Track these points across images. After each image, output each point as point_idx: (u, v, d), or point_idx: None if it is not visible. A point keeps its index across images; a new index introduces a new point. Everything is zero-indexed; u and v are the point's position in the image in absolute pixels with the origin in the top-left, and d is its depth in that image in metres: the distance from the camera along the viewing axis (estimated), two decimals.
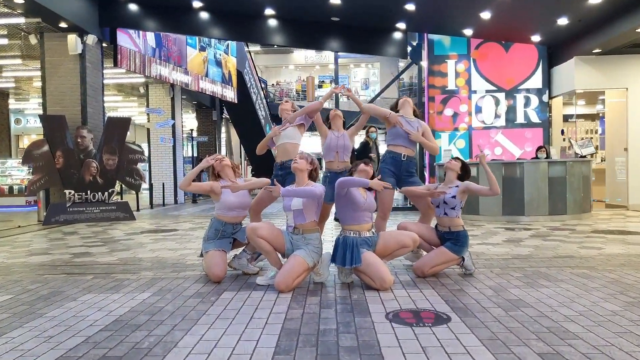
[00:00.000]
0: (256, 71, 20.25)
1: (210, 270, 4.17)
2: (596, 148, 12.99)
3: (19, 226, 9.02)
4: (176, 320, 3.12)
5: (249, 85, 17.84)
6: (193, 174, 4.44)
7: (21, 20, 9.29)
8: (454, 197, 4.25)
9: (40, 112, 10.71)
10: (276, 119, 17.41)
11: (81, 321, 3.14)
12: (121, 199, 11.75)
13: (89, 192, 9.68)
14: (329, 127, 5.06)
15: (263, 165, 19.27)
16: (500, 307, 3.31)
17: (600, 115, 15.01)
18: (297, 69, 31.83)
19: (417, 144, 4.86)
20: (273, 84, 30.19)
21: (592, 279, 4.06)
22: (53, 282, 4.30)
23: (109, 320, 3.15)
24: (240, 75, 16.97)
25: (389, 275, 3.78)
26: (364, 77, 31.95)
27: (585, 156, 9.29)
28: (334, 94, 5.25)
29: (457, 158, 4.51)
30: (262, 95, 20.54)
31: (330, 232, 7.39)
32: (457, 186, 4.31)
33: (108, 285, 4.14)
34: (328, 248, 5.76)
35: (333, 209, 4.76)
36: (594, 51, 10.19)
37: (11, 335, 2.89)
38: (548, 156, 9.11)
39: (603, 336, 2.71)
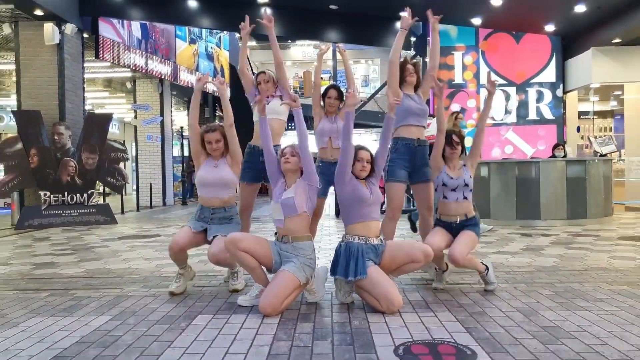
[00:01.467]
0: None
1: (173, 239, 3.75)
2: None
3: None
4: (132, 357, 2.53)
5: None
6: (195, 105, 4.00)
7: None
8: (470, 176, 3.85)
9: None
10: None
11: (13, 357, 2.55)
12: (104, 201, 11.16)
13: (66, 193, 9.10)
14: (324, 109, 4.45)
15: None
16: (535, 337, 2.73)
17: (615, 112, 14.45)
18: (295, 65, 31.23)
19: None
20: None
21: (638, 299, 3.48)
22: None
23: (48, 356, 2.56)
24: (233, 69, 16.40)
25: (398, 296, 3.20)
26: (364, 73, 31.35)
27: (606, 155, 8.72)
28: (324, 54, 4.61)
29: (451, 139, 3.83)
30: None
31: (329, 237, 6.82)
32: (464, 165, 3.91)
33: (63, 305, 3.56)
34: (326, 257, 5.19)
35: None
36: (613, 41, 9.63)
37: None
38: (566, 155, 8.53)
39: None
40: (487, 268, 3.74)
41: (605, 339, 2.70)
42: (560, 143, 9.15)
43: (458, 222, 3.78)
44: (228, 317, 3.18)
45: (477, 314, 3.20)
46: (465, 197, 3.80)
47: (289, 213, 3.36)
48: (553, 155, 8.52)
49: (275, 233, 3.48)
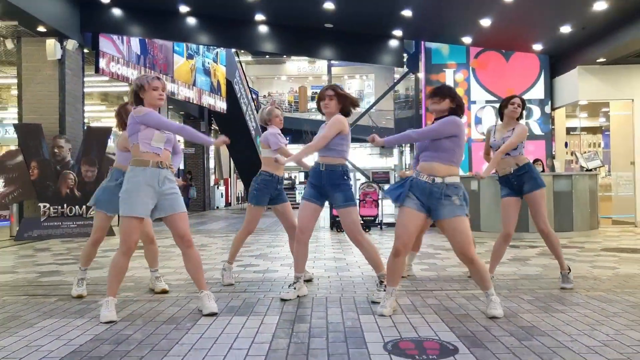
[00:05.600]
0: (247, 81, 20.05)
1: None
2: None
3: None
4: (144, 352, 2.79)
5: (238, 96, 17.60)
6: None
7: None
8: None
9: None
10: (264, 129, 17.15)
11: (34, 352, 2.80)
12: None
13: (65, 205, 9.32)
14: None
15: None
16: (512, 335, 3.01)
17: (603, 128, 14.87)
18: (290, 80, 31.68)
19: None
20: (265, 95, 30.01)
21: (611, 303, 3.78)
22: (11, 305, 3.95)
23: (66, 351, 2.81)
24: (229, 84, 16.73)
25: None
26: (359, 88, 31.83)
27: (591, 170, 9.07)
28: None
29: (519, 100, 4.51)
30: (253, 107, 20.30)
31: (324, 248, 7.07)
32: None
33: (73, 308, 3.80)
34: (320, 266, 5.46)
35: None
36: (598, 60, 10.04)
37: None
38: (544, 170, 8.91)
39: None
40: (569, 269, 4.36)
41: (575, 336, 2.98)
42: (539, 158, 9.53)
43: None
44: (230, 319, 3.44)
45: (461, 315, 3.48)
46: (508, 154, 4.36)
47: (168, 146, 3.64)
48: None
49: None
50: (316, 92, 29.90)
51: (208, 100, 15.28)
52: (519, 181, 4.36)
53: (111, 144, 10.68)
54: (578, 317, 3.40)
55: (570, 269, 4.38)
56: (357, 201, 10.23)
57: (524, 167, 4.35)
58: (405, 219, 3.46)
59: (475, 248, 3.40)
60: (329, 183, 3.94)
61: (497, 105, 11.17)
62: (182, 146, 18.43)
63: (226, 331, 3.16)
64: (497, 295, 3.53)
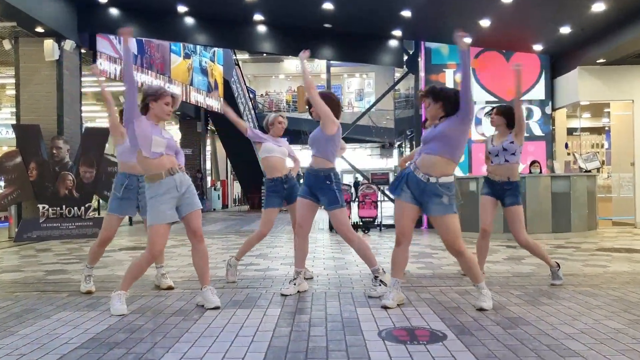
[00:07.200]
0: (244, 80, 20.43)
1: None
2: (602, 163, 13.16)
3: None
4: (157, 338, 3.15)
5: (236, 95, 17.98)
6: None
7: None
8: (512, 142, 4.70)
9: (13, 121, 10.72)
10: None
11: (55, 339, 3.15)
12: (98, 214, 11.73)
13: (64, 206, 9.67)
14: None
15: (252, 180, 19.41)
16: (499, 325, 3.37)
17: (606, 128, 15.24)
18: (288, 79, 32.10)
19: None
20: (262, 94, 30.42)
21: (595, 297, 4.14)
22: (25, 300, 4.30)
23: (85, 338, 3.17)
24: (227, 84, 17.12)
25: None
26: (358, 87, 32.25)
27: (590, 170, 9.44)
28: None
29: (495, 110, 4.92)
30: (251, 106, 20.71)
31: (322, 249, 7.43)
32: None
33: (84, 303, 4.16)
34: (319, 264, 5.81)
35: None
36: (598, 61, 10.41)
37: None
38: (541, 171, 9.29)
39: (605, 354, 2.77)
40: (558, 266, 4.75)
41: (557, 325, 3.35)
42: (537, 160, 9.89)
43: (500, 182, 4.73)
44: (234, 311, 3.80)
45: (452, 308, 3.84)
46: (507, 160, 4.71)
47: (170, 151, 3.91)
48: (530, 172, 9.22)
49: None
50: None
51: (205, 100, 15.64)
52: (503, 192, 4.75)
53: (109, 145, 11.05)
54: (562, 309, 3.77)
55: (559, 266, 4.74)
56: (357, 202, 10.59)
57: (513, 183, 4.72)
58: (398, 211, 3.91)
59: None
60: (314, 186, 4.37)
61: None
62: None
63: (232, 321, 3.52)
64: (487, 289, 3.90)
